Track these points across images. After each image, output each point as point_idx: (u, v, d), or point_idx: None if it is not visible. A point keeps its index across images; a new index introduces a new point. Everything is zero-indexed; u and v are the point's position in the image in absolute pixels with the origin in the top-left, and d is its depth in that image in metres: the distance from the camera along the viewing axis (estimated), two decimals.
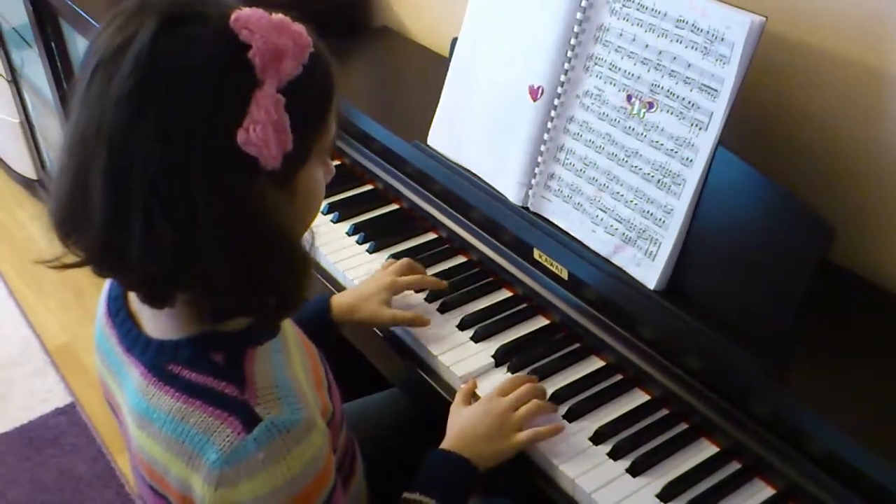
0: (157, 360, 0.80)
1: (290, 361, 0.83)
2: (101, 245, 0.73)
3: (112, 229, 0.71)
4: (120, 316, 0.86)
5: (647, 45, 1.07)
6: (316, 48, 0.76)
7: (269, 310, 0.79)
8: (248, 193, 0.72)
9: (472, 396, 1.09)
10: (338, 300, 1.19)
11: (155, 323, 0.82)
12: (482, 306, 1.24)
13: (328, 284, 1.34)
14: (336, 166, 0.88)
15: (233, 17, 0.71)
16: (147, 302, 0.77)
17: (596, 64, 1.12)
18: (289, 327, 0.88)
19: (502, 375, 1.13)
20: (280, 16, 0.74)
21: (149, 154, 0.69)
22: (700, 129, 1.02)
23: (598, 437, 1.04)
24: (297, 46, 0.73)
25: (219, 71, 0.71)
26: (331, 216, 1.44)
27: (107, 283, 0.91)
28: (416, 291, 1.26)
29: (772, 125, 1.18)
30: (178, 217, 0.70)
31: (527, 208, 1.22)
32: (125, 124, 0.69)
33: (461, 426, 1.03)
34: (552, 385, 1.11)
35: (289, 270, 0.77)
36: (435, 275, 1.30)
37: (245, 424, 0.75)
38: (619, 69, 1.10)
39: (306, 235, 0.83)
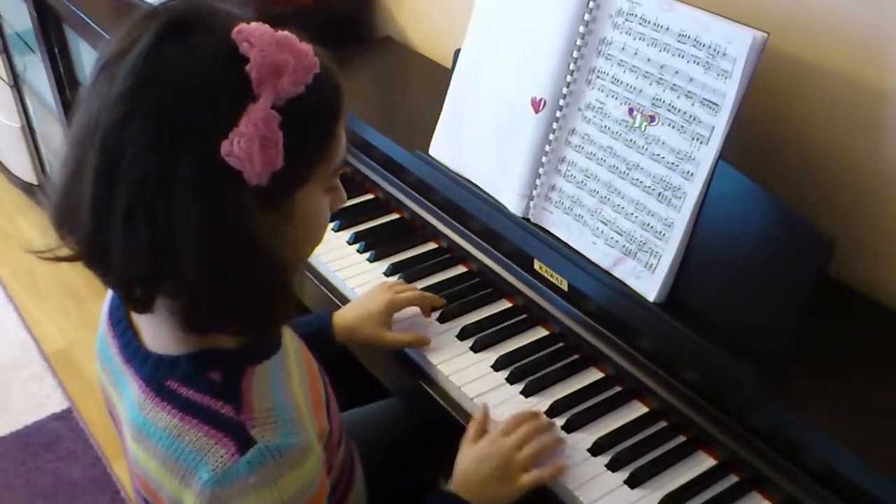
0: (155, 375, 0.80)
1: (290, 380, 0.83)
2: (87, 239, 0.74)
3: (98, 225, 0.72)
4: (121, 326, 0.86)
5: (649, 59, 1.07)
6: (325, 70, 0.75)
7: (246, 328, 0.78)
8: (231, 206, 0.71)
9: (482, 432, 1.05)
10: (340, 320, 1.19)
11: (154, 336, 0.82)
12: (482, 316, 1.25)
13: (328, 293, 1.34)
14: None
15: (236, 29, 0.71)
16: (126, 304, 0.77)
17: (598, 77, 1.13)
18: (290, 341, 0.88)
19: (502, 383, 1.14)
20: (285, 33, 0.73)
21: (136, 154, 0.69)
22: (701, 142, 1.03)
23: (596, 449, 1.04)
24: (299, 65, 0.72)
25: (213, 80, 0.71)
26: (332, 225, 1.44)
27: (110, 291, 0.91)
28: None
29: (772, 140, 1.18)
30: (158, 220, 0.70)
31: (528, 219, 1.22)
32: (118, 123, 0.70)
33: (466, 467, 1.01)
34: (551, 396, 1.11)
35: (265, 295, 0.76)
36: (435, 284, 1.30)
37: (239, 446, 0.74)
38: (621, 82, 1.10)
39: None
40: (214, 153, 0.69)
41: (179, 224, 0.70)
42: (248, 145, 0.69)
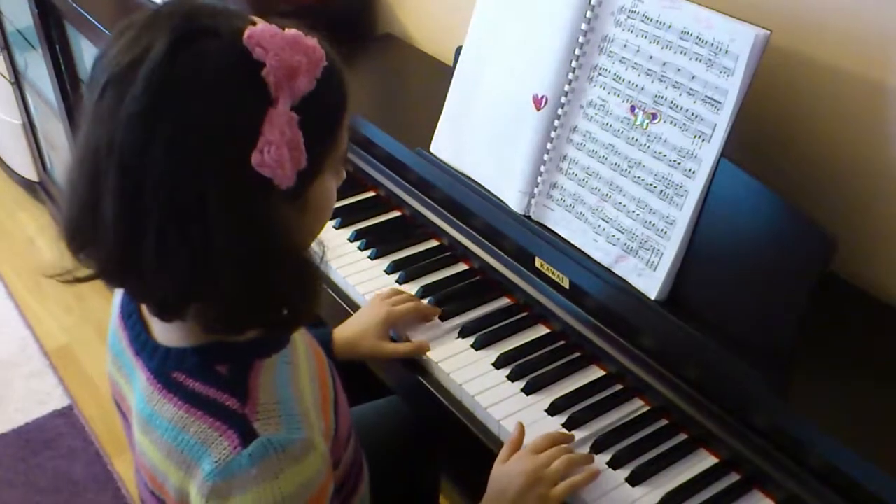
0: (163, 367, 0.80)
1: (298, 374, 0.83)
2: (114, 261, 0.73)
3: (126, 246, 0.71)
4: (132, 319, 0.86)
5: (651, 57, 1.07)
6: (329, 60, 0.75)
7: (281, 322, 0.79)
8: (262, 211, 0.72)
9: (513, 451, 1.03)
10: (339, 336, 1.19)
11: (164, 329, 0.82)
12: (483, 314, 1.24)
13: (329, 290, 1.34)
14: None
15: (246, 34, 0.70)
16: (158, 315, 0.77)
17: (600, 74, 1.13)
18: (300, 338, 0.88)
19: (502, 381, 1.13)
20: (293, 31, 0.73)
21: (162, 173, 0.69)
22: (703, 140, 1.03)
23: (597, 447, 1.04)
24: (310, 62, 0.72)
25: (232, 90, 0.70)
26: (333, 222, 1.44)
27: None
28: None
29: (775, 138, 1.18)
30: (193, 235, 0.70)
31: (529, 217, 1.22)
32: (138, 143, 0.69)
33: (497, 486, 1.00)
34: (552, 394, 1.11)
35: (299, 283, 0.77)
36: (436, 282, 1.30)
37: (242, 439, 0.74)
38: (623, 80, 1.10)
39: (317, 249, 0.83)
40: (243, 164, 0.69)
41: (215, 237, 0.70)
42: (279, 153, 0.70)
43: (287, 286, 0.76)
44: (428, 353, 1.18)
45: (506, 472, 1.00)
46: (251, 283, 0.73)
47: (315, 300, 0.80)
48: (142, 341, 0.84)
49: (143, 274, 0.72)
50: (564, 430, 1.06)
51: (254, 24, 0.72)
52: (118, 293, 0.91)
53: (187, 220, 0.69)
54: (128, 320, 0.87)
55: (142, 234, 0.70)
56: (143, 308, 0.85)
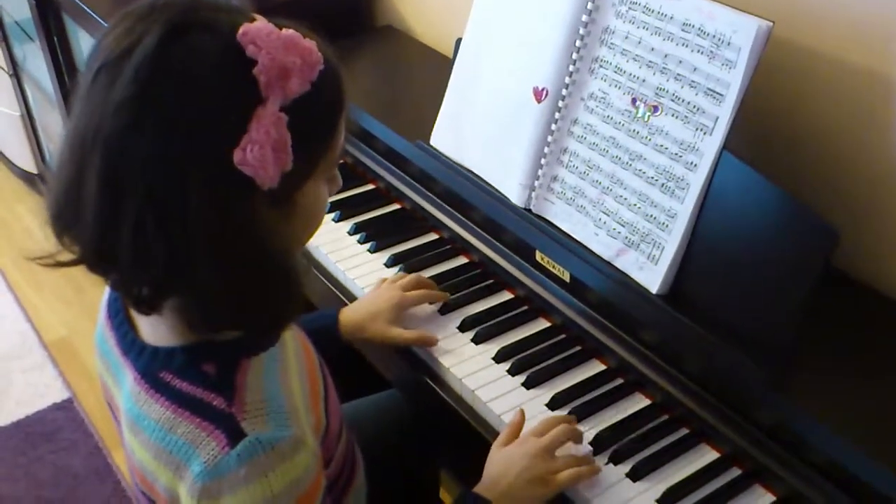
0: (150, 366, 0.80)
1: (286, 372, 0.82)
2: (92, 246, 0.73)
3: (104, 232, 0.71)
4: (118, 318, 0.86)
5: (652, 49, 1.06)
6: (327, 62, 0.74)
7: (259, 325, 0.78)
8: (243, 210, 0.71)
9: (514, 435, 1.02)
10: (346, 317, 1.18)
11: (151, 328, 0.81)
12: (483, 308, 1.24)
13: (328, 283, 1.33)
14: (338, 165, 0.86)
15: (241, 30, 0.69)
16: (133, 306, 0.76)
17: (601, 66, 1.12)
18: (288, 334, 0.87)
19: (503, 375, 1.13)
20: (291, 31, 0.72)
21: (145, 161, 0.68)
22: (705, 133, 1.02)
23: (598, 442, 1.04)
24: (305, 64, 0.71)
25: (222, 85, 0.69)
26: (332, 215, 1.44)
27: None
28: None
29: (777, 130, 1.17)
30: (170, 226, 0.69)
31: (529, 210, 1.21)
32: (123, 129, 0.68)
33: (497, 469, 0.98)
34: (553, 388, 1.11)
35: (280, 288, 0.76)
36: (436, 276, 1.29)
37: (230, 439, 0.74)
38: (625, 72, 1.09)
39: (303, 258, 0.82)
40: (226, 160, 0.69)
41: (193, 231, 0.69)
42: (262, 153, 0.69)
43: (267, 290, 0.75)
44: (428, 348, 1.17)
45: (507, 454, 0.99)
46: (229, 282, 0.72)
47: (294, 308, 0.78)
48: (129, 341, 0.83)
49: (120, 262, 0.71)
50: (569, 417, 1.06)
51: (252, 21, 0.71)
52: (106, 292, 0.90)
53: (166, 211, 0.69)
54: (114, 319, 0.86)
55: (120, 221, 0.69)
56: (131, 307, 0.84)
